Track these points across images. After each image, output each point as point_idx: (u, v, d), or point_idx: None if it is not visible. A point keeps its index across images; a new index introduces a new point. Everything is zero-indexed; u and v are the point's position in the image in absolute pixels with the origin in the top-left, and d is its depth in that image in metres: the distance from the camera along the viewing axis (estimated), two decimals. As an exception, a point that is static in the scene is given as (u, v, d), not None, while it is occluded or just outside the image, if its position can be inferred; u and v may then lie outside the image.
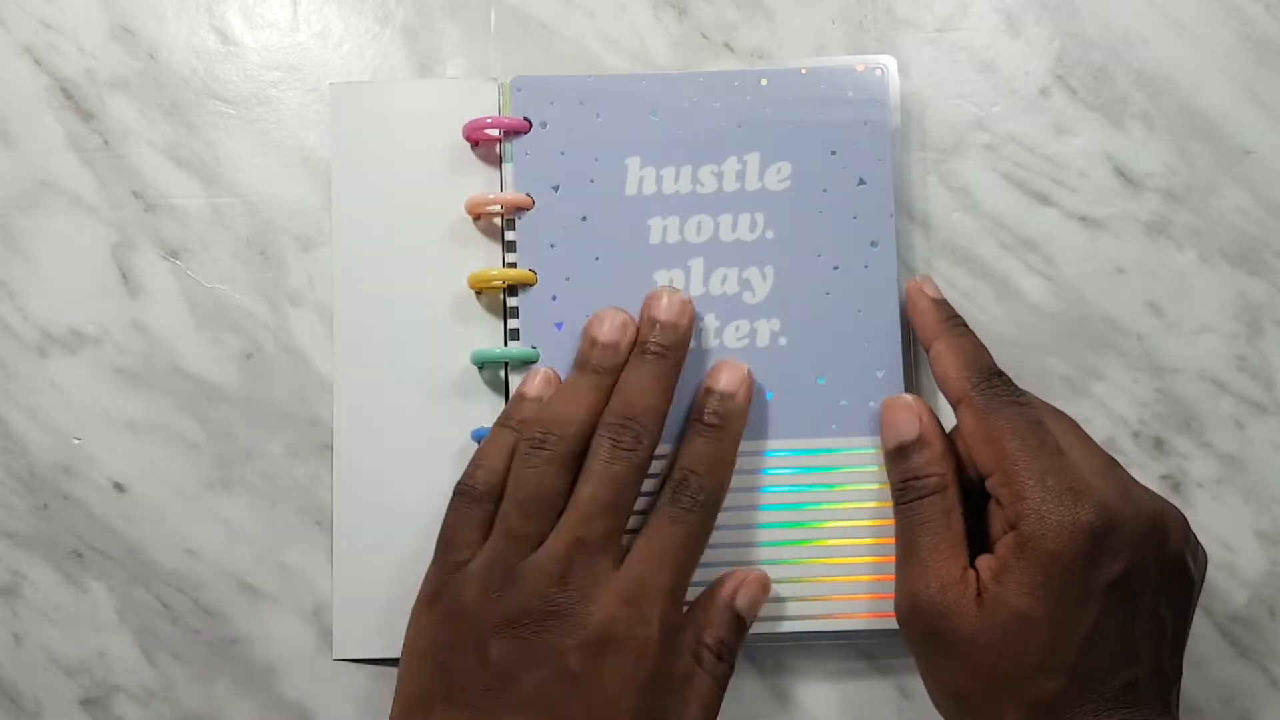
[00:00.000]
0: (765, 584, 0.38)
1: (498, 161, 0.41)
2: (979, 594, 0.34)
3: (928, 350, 0.38)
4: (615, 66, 0.44)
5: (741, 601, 0.37)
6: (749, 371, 0.38)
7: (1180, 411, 0.43)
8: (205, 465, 0.42)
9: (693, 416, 0.38)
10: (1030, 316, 0.43)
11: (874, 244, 0.40)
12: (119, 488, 0.42)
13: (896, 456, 0.37)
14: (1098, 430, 0.42)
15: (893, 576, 0.37)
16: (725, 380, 0.38)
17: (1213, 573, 0.42)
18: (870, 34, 0.44)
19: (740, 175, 0.41)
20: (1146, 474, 0.42)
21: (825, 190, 0.41)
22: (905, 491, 0.37)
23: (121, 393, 0.42)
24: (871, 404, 0.39)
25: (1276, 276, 0.43)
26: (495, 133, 0.40)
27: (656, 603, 0.35)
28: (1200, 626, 0.42)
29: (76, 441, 0.42)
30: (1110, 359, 0.43)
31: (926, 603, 0.34)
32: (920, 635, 0.35)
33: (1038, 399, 0.37)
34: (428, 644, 0.35)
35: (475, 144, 0.41)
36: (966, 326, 0.38)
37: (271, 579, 0.41)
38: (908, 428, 0.37)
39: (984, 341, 0.42)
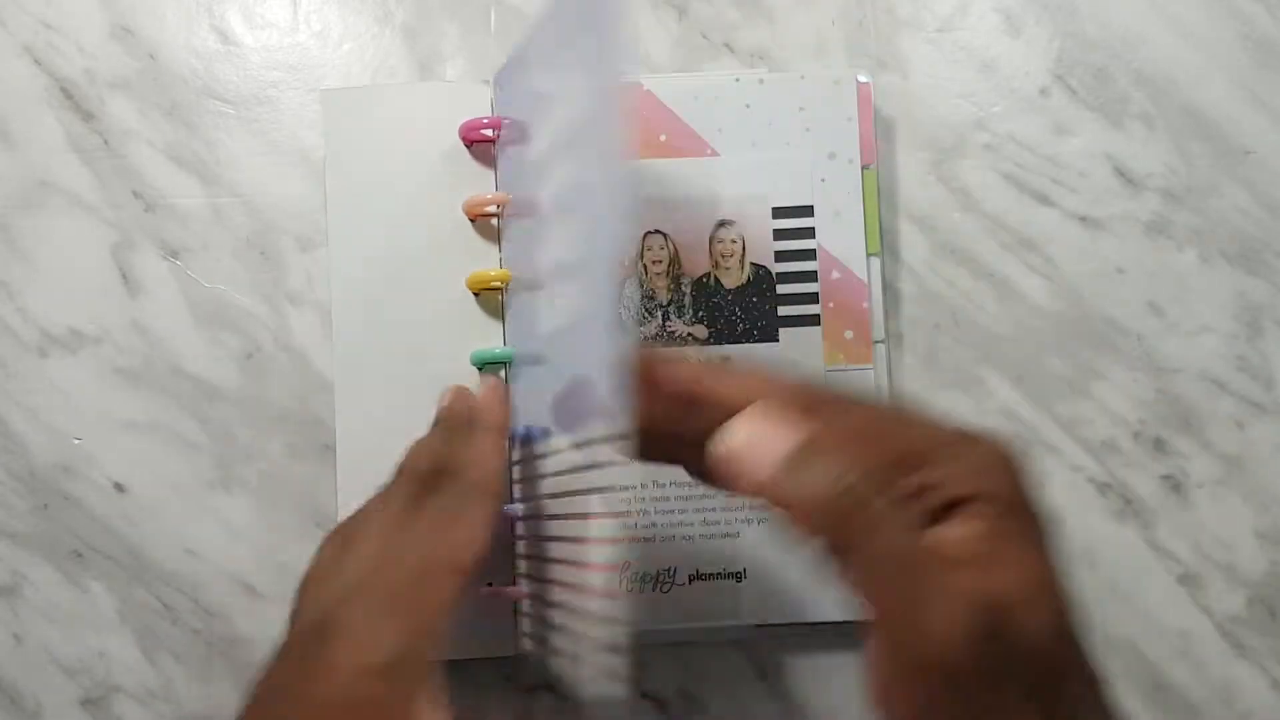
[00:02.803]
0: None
1: (493, 162, 0.41)
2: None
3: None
4: (615, 66, 0.43)
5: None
6: None
7: (1180, 411, 0.43)
8: (205, 465, 0.42)
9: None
10: (1030, 316, 0.43)
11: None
12: (119, 488, 0.42)
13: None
14: (1098, 430, 0.42)
15: None
16: None
17: (1213, 572, 0.42)
18: (870, 34, 0.44)
19: None
20: (1147, 474, 0.42)
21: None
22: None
23: (121, 393, 0.42)
24: None
25: (1276, 276, 0.43)
26: (491, 133, 0.40)
27: None
28: (1200, 626, 0.42)
29: (77, 441, 0.42)
30: (1110, 359, 0.43)
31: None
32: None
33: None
34: None
35: (470, 145, 0.41)
36: None
37: (271, 579, 0.41)
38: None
39: (984, 341, 0.43)
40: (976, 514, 0.25)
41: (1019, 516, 0.25)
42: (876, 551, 0.24)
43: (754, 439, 0.26)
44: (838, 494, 0.24)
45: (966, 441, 0.26)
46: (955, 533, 0.24)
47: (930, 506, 0.25)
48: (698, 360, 0.37)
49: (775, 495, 0.25)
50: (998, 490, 0.25)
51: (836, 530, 0.24)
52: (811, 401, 0.27)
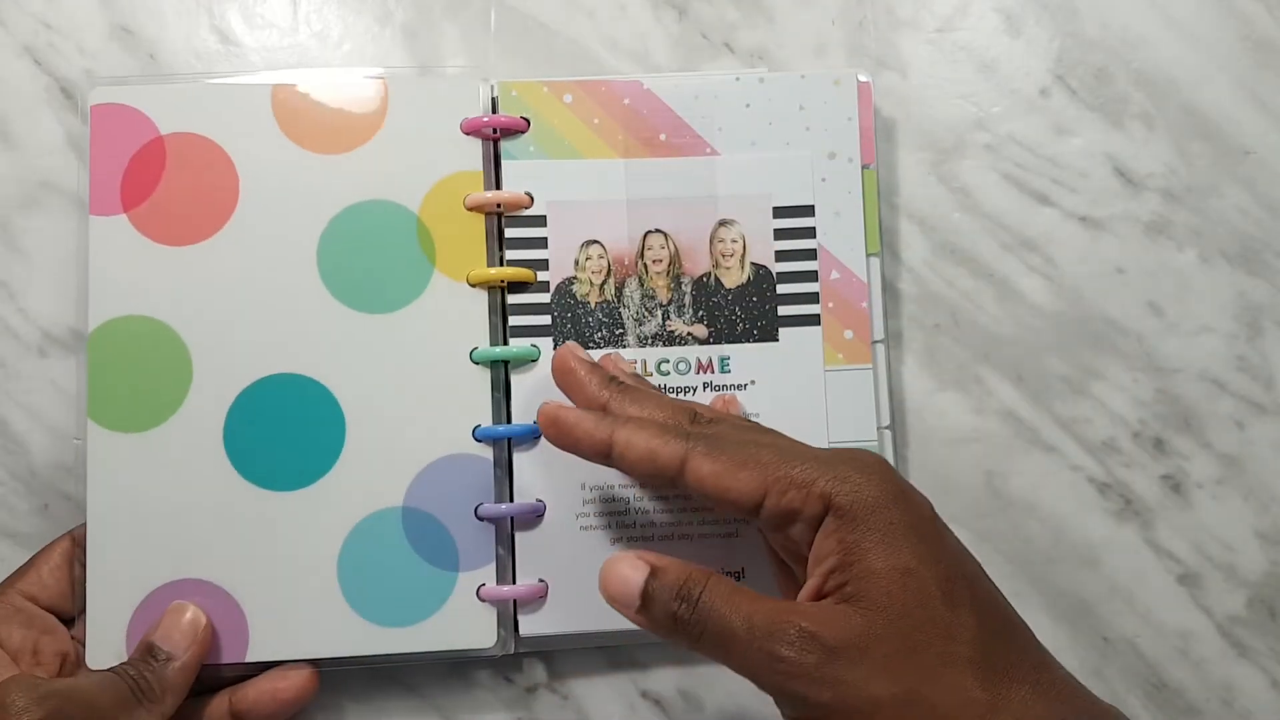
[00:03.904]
0: (186, 617, 0.37)
1: (494, 160, 0.41)
2: (837, 603, 0.30)
3: (610, 442, 0.33)
4: (615, 67, 0.44)
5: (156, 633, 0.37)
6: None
7: (1180, 411, 0.43)
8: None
9: None
10: (1030, 316, 0.43)
11: None
12: (119, 487, 0.42)
13: (647, 602, 0.32)
14: (1098, 430, 0.43)
15: None
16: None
17: (1213, 572, 0.42)
18: (870, 34, 0.44)
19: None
20: (1147, 474, 0.42)
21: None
22: (686, 600, 0.31)
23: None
24: None
25: (1276, 276, 0.43)
26: (493, 131, 0.40)
27: None
28: (1200, 626, 0.42)
29: (77, 442, 0.42)
30: (1110, 359, 0.43)
31: (808, 647, 0.29)
32: (809, 682, 0.29)
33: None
34: None
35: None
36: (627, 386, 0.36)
37: (271, 579, 0.41)
38: (635, 574, 0.32)
39: (983, 341, 0.43)
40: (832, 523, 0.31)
41: (867, 520, 0.30)
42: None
43: (612, 584, 0.32)
44: (670, 613, 0.31)
45: (828, 462, 0.31)
46: (820, 542, 0.31)
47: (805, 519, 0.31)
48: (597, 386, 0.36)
49: (641, 625, 0.32)
50: (848, 501, 0.31)
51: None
52: (687, 433, 0.33)
